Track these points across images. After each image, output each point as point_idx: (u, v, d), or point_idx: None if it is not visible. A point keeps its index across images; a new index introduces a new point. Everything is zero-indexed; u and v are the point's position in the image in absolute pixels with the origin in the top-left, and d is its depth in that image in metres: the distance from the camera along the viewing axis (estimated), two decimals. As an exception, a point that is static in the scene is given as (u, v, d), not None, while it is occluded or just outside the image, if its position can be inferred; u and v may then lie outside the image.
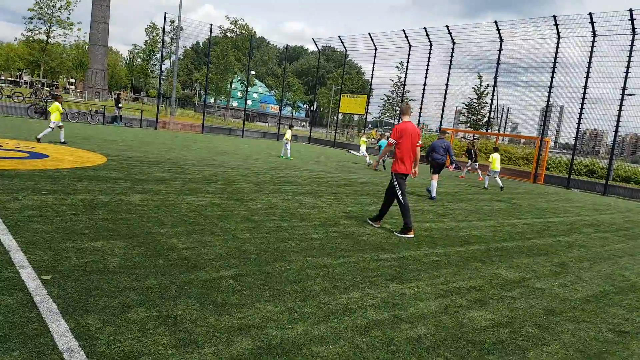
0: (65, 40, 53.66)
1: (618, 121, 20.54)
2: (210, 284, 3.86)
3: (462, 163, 26.13)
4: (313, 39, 36.75)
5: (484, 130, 30.38)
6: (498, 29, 25.05)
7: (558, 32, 22.69)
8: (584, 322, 4.14)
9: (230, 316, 3.30)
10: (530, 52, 24.15)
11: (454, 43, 27.23)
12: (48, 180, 7.42)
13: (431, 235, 7.08)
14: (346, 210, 8.29)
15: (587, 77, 21.54)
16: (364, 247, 5.81)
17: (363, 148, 21.65)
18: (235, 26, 46.89)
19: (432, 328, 3.58)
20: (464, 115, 36.28)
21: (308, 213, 7.52)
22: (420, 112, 29.18)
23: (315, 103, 72.98)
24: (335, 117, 49.99)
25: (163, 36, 33.89)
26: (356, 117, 60.61)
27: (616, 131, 20.96)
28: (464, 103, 35.64)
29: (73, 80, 75.50)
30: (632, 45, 20.15)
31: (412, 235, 6.72)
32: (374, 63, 32.22)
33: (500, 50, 25.29)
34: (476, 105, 35.12)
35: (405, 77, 32.18)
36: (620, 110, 20.43)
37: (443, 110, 27.82)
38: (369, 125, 60.46)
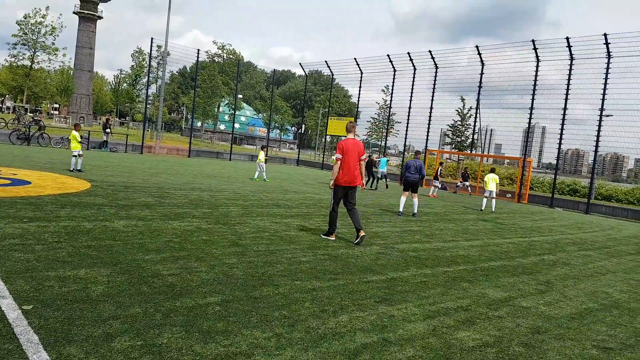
0: (50, 66, 53.61)
1: (597, 141, 21.04)
2: (196, 311, 3.81)
3: (448, 183, 26.43)
4: (300, 63, 37.35)
5: (469, 152, 30.84)
6: (479, 53, 25.74)
7: (537, 56, 23.39)
8: (569, 340, 4.17)
9: (216, 344, 3.25)
10: (511, 75, 24.76)
11: (436, 67, 27.86)
12: (30, 207, 7.31)
13: (419, 255, 7.10)
14: (335, 232, 8.27)
15: (566, 99, 22.13)
16: (352, 269, 5.80)
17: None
18: (222, 51, 47.40)
19: (420, 350, 3.56)
20: (449, 137, 36.87)
21: (297, 236, 7.50)
22: (406, 134, 29.58)
23: (304, 125, 73.51)
24: (323, 139, 50.34)
25: (150, 61, 33.93)
26: (343, 139, 61.06)
27: (596, 151, 21.44)
28: (448, 125, 36.31)
29: (57, 106, 75.09)
30: (607, 67, 20.83)
31: (334, 239, 7.52)
32: (360, 87, 32.76)
33: (482, 73, 25.91)
34: (460, 127, 35.76)
35: (391, 100, 32.74)
36: (599, 131, 20.96)
37: (428, 131, 28.25)
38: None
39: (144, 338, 3.20)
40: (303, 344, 3.41)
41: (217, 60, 46.86)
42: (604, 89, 20.81)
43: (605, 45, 20.70)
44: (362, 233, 7.40)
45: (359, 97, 33.48)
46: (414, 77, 29.02)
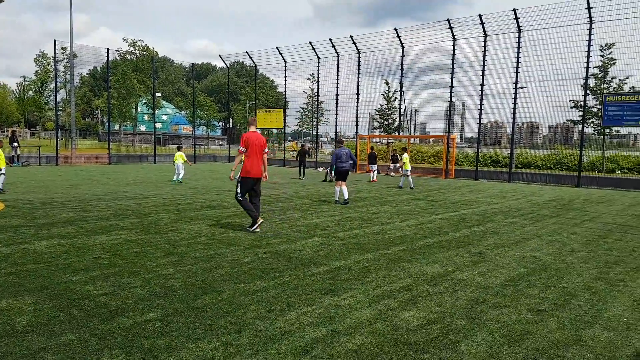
0: None
1: (514, 112, 22.58)
2: (135, 330, 3.59)
3: (380, 167, 27.13)
4: (220, 55, 36.25)
5: (397, 134, 31.84)
6: (398, 36, 26.48)
7: (453, 35, 24.46)
8: (506, 307, 4.44)
9: (160, 362, 3.09)
10: (431, 55, 25.71)
11: (359, 52, 28.32)
12: None
13: (359, 242, 7.23)
14: (275, 228, 8.20)
15: (483, 74, 23.43)
16: (296, 264, 5.77)
17: None
18: (134, 48, 44.82)
19: (369, 336, 3.62)
20: (377, 121, 37.78)
21: (235, 237, 7.33)
22: (336, 121, 29.92)
23: (231, 120, 71.93)
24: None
25: (55, 65, 31.34)
26: (275, 131, 60.71)
27: (514, 121, 23.01)
28: (375, 109, 37.18)
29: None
30: (519, 41, 22.26)
31: (261, 221, 7.76)
32: (285, 76, 32.52)
33: (402, 56, 26.71)
34: (386, 110, 36.77)
35: (318, 88, 32.85)
36: (515, 102, 22.49)
37: (357, 117, 28.77)
38: (289, 138, 60.85)
39: (78, 369, 2.96)
40: (252, 349, 3.33)
41: (129, 58, 44.21)
42: (517, 63, 22.28)
43: (515, 20, 22.03)
44: (260, 220, 7.79)
45: (285, 87, 33.28)
46: (338, 64, 29.32)
